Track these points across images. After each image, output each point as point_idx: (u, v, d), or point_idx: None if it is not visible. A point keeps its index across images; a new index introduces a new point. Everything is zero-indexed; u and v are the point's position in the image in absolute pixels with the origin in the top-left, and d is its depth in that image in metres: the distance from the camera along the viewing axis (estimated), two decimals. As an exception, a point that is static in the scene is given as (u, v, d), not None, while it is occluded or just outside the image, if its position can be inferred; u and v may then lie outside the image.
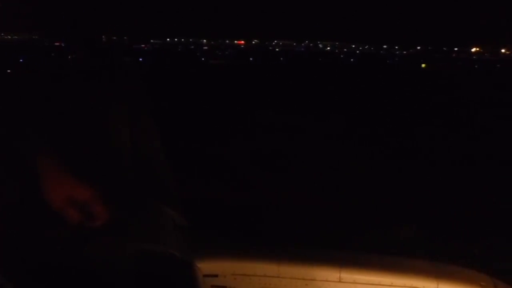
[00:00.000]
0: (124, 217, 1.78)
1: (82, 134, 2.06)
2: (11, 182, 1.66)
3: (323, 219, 6.53)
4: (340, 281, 2.23)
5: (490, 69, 67.77)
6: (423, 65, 69.09)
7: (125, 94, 2.73)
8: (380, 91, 29.48)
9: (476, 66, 73.95)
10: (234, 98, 21.98)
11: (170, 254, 1.83)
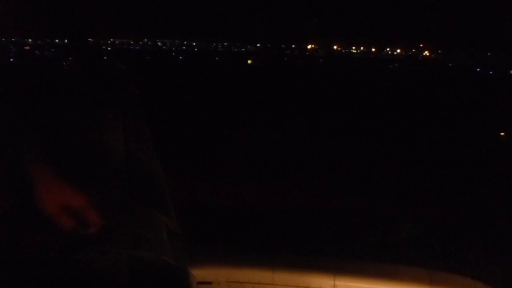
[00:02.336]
0: (117, 224, 1.77)
1: (76, 141, 2.06)
2: (4, 188, 1.66)
3: (317, 226, 6.54)
4: None
5: (310, 63, 72.55)
6: (249, 61, 71.06)
7: (119, 101, 2.73)
8: (183, 83, 30.35)
9: (298, 61, 78.89)
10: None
11: (164, 261, 1.82)
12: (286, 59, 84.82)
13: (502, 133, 17.65)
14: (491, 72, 65.37)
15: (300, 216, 7.05)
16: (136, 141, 2.46)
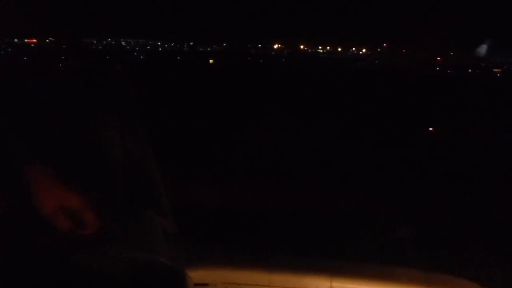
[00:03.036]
0: (114, 225, 1.76)
1: (73, 142, 2.05)
2: (2, 189, 1.65)
3: (314, 227, 6.55)
4: None
5: (273, 62, 72.02)
6: (211, 61, 69.71)
7: (116, 101, 2.73)
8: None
9: (261, 61, 77.83)
10: None
11: (161, 262, 1.82)
12: (249, 58, 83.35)
13: (431, 128, 18.12)
14: (449, 71, 65.56)
15: (297, 217, 7.06)
16: (133, 141, 2.45)
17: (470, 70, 66.31)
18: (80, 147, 2.01)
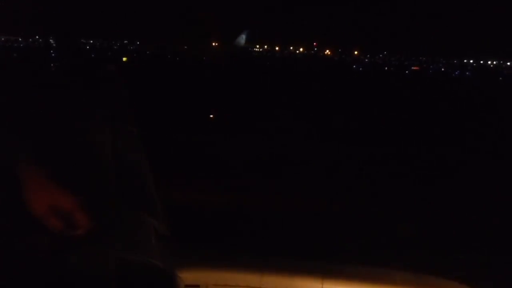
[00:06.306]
0: (105, 226, 1.76)
1: (65, 142, 2.04)
2: None
3: (306, 228, 6.56)
4: None
5: (180, 61, 71.68)
6: (124, 59, 66.70)
7: (108, 102, 2.72)
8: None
9: (168, 56, 78.28)
10: None
11: (152, 264, 1.82)
12: (160, 57, 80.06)
13: (212, 115, 18.32)
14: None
15: (288, 219, 7.07)
16: (125, 142, 2.45)
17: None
18: (72, 147, 2.01)
